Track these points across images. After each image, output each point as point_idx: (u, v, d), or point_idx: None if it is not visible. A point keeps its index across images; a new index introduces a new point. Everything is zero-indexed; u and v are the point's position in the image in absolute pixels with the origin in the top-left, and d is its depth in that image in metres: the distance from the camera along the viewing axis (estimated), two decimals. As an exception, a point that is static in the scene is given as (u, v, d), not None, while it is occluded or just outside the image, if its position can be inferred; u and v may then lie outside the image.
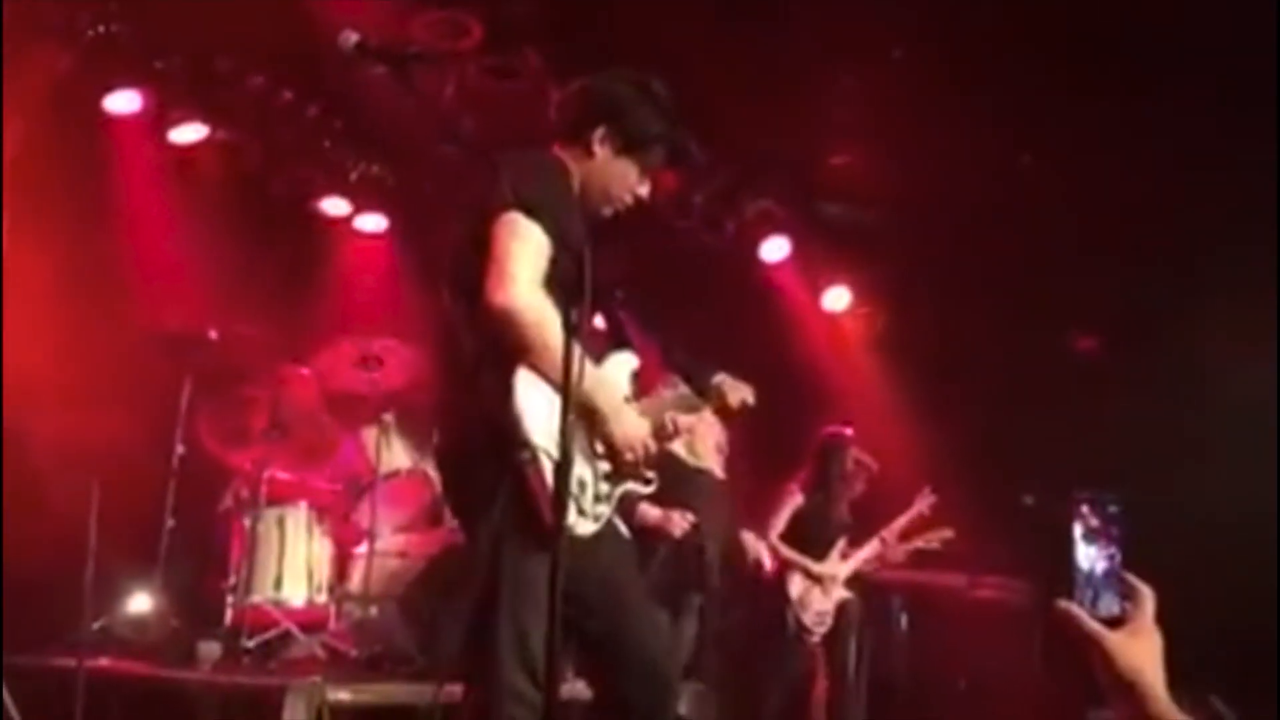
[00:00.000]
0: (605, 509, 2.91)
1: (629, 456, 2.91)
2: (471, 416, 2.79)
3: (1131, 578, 1.47)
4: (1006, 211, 6.97)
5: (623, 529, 3.10)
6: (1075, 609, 1.41)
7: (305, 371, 5.66)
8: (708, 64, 5.85)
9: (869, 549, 6.40)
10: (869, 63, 6.27)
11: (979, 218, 7.08)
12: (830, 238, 7.41)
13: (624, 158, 3.03)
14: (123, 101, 5.76)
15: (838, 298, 7.49)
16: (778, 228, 7.02)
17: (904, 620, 7.06)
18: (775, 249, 7.07)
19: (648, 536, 4.81)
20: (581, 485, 2.81)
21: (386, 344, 5.49)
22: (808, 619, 6.09)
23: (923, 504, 6.52)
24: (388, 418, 5.41)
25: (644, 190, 3.11)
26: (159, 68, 5.82)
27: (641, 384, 3.27)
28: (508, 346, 2.72)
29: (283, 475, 5.38)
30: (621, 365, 3.10)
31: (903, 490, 6.63)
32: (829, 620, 6.15)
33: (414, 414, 5.51)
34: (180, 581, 5.17)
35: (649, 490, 3.09)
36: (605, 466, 2.91)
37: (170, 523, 5.09)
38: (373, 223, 6.86)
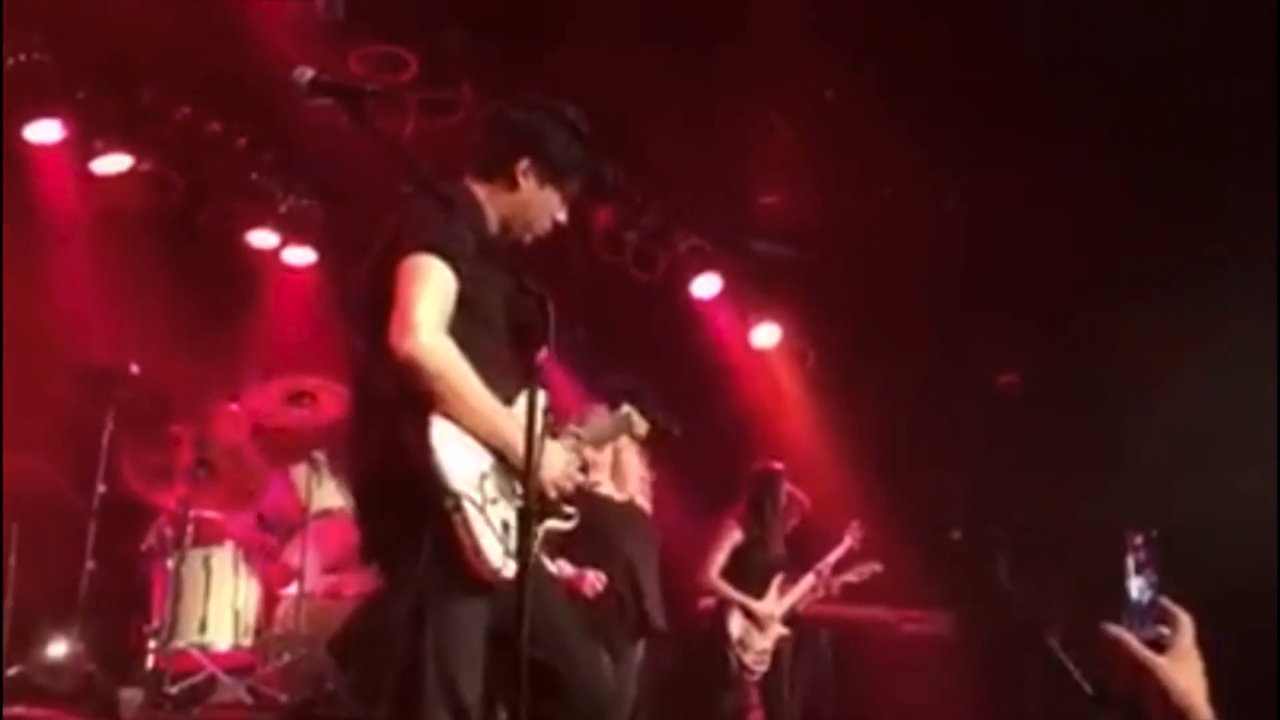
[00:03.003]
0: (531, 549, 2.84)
1: (551, 494, 2.90)
2: (389, 462, 2.75)
3: (1169, 604, 1.49)
4: (932, 250, 7.09)
5: (550, 567, 3.07)
6: (1127, 635, 1.43)
7: (233, 408, 5.54)
8: (641, 99, 5.90)
9: (805, 585, 6.42)
10: (800, 102, 6.36)
11: (905, 256, 7.20)
12: (760, 275, 7.47)
13: (548, 187, 3.04)
14: (43, 131, 5.61)
15: (768, 334, 7.54)
16: (709, 264, 7.05)
17: (831, 655, 7.09)
18: (706, 285, 7.09)
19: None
20: (505, 527, 2.77)
21: (318, 380, 5.40)
22: (749, 659, 6.08)
23: (852, 538, 6.57)
24: (319, 455, 5.32)
25: (562, 216, 3.12)
26: (81, 97, 5.69)
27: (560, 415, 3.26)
28: (417, 393, 2.69)
29: (209, 514, 5.24)
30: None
31: (834, 525, 6.68)
32: (767, 659, 6.14)
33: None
34: (100, 625, 5.00)
35: (570, 525, 3.06)
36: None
37: (90, 564, 4.93)
38: (301, 256, 6.74)
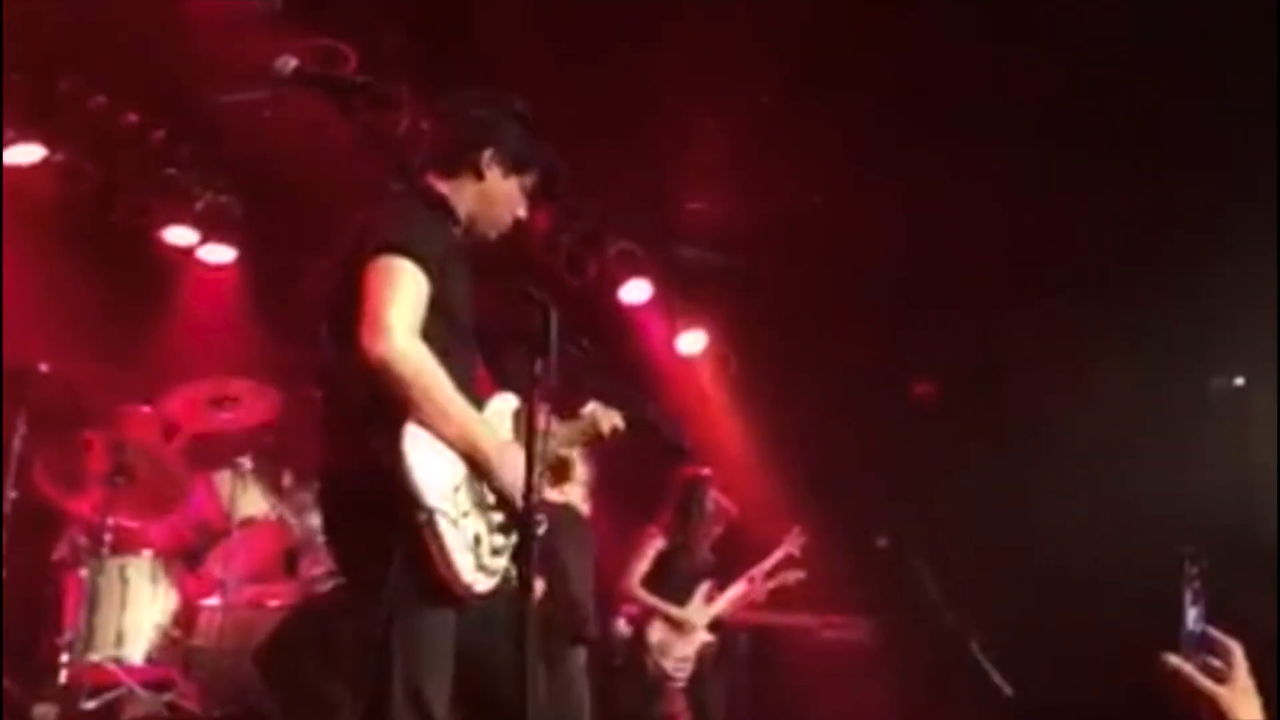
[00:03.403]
0: (502, 562, 2.85)
1: (518, 502, 2.81)
2: (361, 473, 2.70)
3: (1217, 633, 1.49)
4: (857, 259, 7.16)
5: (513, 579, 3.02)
6: (1185, 665, 1.42)
7: (147, 410, 5.34)
8: (573, 101, 5.85)
9: (733, 592, 6.41)
10: (732, 107, 6.37)
11: (832, 264, 7.26)
12: (688, 281, 7.46)
13: (510, 178, 3.02)
14: (-50, 118, 5.35)
15: (694, 341, 7.53)
16: (638, 270, 7.01)
17: (749, 660, 7.11)
18: (636, 291, 7.05)
19: None
20: (477, 540, 2.74)
21: (243, 384, 5.23)
22: (668, 665, 6.04)
23: (792, 544, 6.56)
24: (244, 461, 5.14)
25: (523, 211, 3.10)
26: (-8, 85, 5.43)
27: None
28: (389, 399, 2.64)
29: (126, 523, 5.04)
30: (502, 407, 3.04)
31: (761, 532, 6.69)
32: (689, 666, 6.11)
33: (270, 457, 5.25)
34: (10, 637, 4.75)
35: (539, 532, 2.90)
36: (499, 518, 2.84)
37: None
38: (219, 254, 6.53)
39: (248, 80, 5.84)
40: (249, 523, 5.13)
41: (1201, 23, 5.32)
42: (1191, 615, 1.47)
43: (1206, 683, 1.43)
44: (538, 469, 2.47)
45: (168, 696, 4.78)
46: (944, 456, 7.33)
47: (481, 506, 2.80)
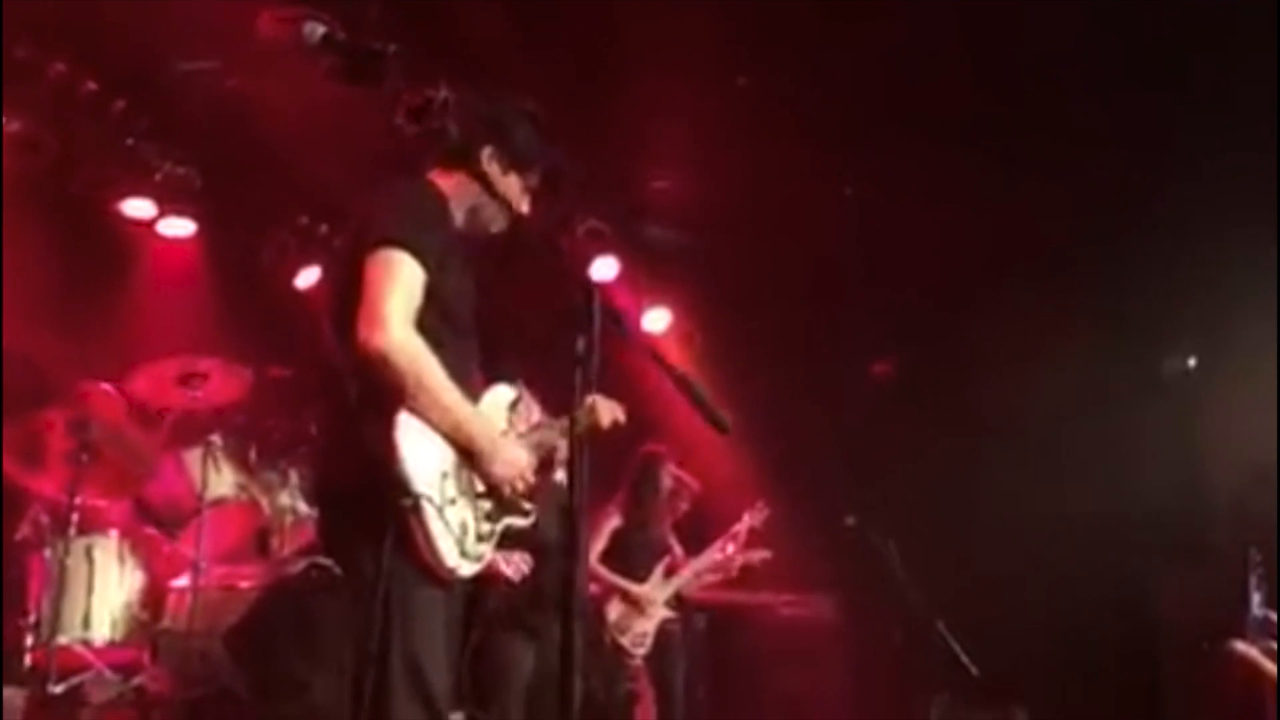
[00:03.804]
0: (486, 549, 2.94)
1: (508, 491, 2.94)
2: (353, 460, 2.77)
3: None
4: (817, 240, 7.20)
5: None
6: (1252, 651, 1.45)
7: (111, 387, 5.21)
8: (541, 79, 5.79)
9: (695, 566, 6.42)
10: (695, 89, 6.35)
11: (791, 245, 7.29)
12: (653, 259, 7.45)
13: (510, 175, 3.08)
14: (-96, 85, 5.16)
15: (658, 319, 7.52)
16: (606, 247, 6.98)
17: (706, 637, 7.14)
18: (604, 268, 7.03)
19: (486, 578, 4.66)
20: (464, 527, 2.82)
21: (211, 361, 5.13)
22: (626, 641, 6.06)
23: (753, 518, 6.58)
24: (215, 439, 5.04)
25: (525, 207, 3.16)
26: (-54, 50, 5.25)
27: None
28: (384, 388, 2.71)
29: (92, 502, 4.92)
30: (498, 399, 3.13)
31: (727, 508, 6.71)
32: (648, 642, 6.13)
33: (241, 436, 5.16)
34: (-28, 621, 4.64)
35: (527, 522, 3.12)
36: (486, 505, 2.93)
37: (-39, 554, 4.58)
38: (179, 227, 6.39)
39: (211, 48, 5.75)
40: (220, 502, 5.04)
41: (1157, 12, 5.41)
42: (1256, 600, 1.50)
43: (1269, 665, 1.47)
44: (578, 448, 2.46)
45: (136, 680, 4.69)
46: (904, 436, 7.42)
47: (469, 494, 2.87)
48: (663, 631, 6.19)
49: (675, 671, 6.30)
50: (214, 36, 5.73)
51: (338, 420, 2.87)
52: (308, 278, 6.97)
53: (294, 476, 5.22)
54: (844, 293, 7.53)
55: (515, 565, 4.71)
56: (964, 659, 5.70)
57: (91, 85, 5.72)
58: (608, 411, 3.35)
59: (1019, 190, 6.55)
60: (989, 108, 6.10)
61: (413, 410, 2.73)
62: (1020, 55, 5.79)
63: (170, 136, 6.22)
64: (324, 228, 7.09)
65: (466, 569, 2.83)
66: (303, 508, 5.21)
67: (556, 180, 3.28)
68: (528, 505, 3.08)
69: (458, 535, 2.79)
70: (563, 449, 5.08)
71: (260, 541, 5.19)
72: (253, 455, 5.40)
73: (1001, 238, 6.90)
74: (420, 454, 2.74)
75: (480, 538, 2.90)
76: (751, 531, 6.53)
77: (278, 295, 6.75)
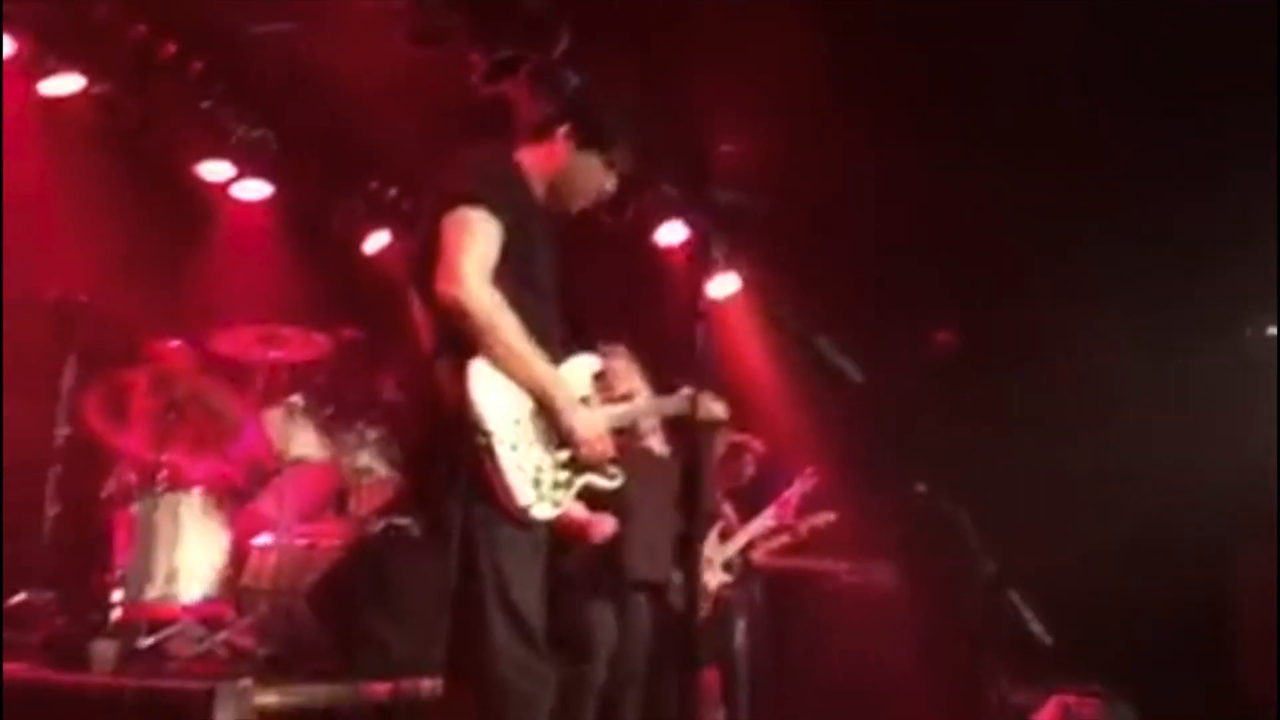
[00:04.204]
0: (562, 495, 2.98)
1: (584, 451, 3.00)
2: (429, 409, 2.88)
3: None
4: (883, 207, 7.13)
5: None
6: None
7: (193, 347, 5.28)
8: (613, 44, 5.76)
9: (749, 531, 6.40)
10: (764, 52, 6.28)
11: (860, 208, 7.22)
12: (721, 223, 7.39)
13: (591, 153, 3.11)
14: (-3, 47, 5.22)
15: (726, 283, 7.48)
16: (674, 211, 6.95)
17: (768, 603, 7.13)
18: (671, 233, 7.00)
19: (567, 535, 4.67)
20: (539, 470, 2.89)
21: (289, 321, 5.17)
22: (680, 604, 6.06)
23: (803, 484, 6.56)
24: (296, 399, 5.09)
25: (609, 186, 3.19)
26: (32, 11, 5.30)
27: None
28: (460, 339, 2.80)
29: (177, 460, 4.99)
30: (582, 367, 3.19)
31: (792, 474, 6.68)
32: (705, 606, 6.11)
33: (324, 397, 5.21)
34: (65, 574, 4.73)
35: (615, 484, 3.19)
36: (564, 455, 2.99)
37: (53, 509, 4.66)
38: (254, 190, 6.44)
39: (287, 10, 5.77)
40: (300, 461, 5.08)
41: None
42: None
43: None
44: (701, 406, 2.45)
45: (222, 635, 4.76)
46: (973, 404, 7.35)
47: (545, 442, 2.93)
48: (719, 597, 6.19)
49: (734, 636, 6.30)
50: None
51: (418, 376, 2.95)
52: (377, 242, 7.02)
53: (371, 437, 5.26)
54: (910, 258, 7.44)
55: (597, 529, 4.71)
56: (1037, 629, 5.66)
57: (171, 47, 5.75)
58: (705, 408, 3.35)
59: (1095, 154, 6.44)
60: (1061, 70, 5.99)
61: (487, 360, 2.81)
62: (1099, 16, 5.67)
63: (246, 99, 6.25)
64: (393, 191, 7.13)
65: (540, 510, 2.87)
66: (380, 468, 5.25)
67: (641, 160, 3.26)
68: (613, 469, 3.14)
69: (531, 476, 2.85)
70: (649, 423, 5.12)
71: (339, 501, 5.24)
72: (330, 415, 5.44)
73: (1077, 203, 6.80)
74: (492, 398, 2.81)
75: (557, 484, 2.96)
76: (803, 497, 6.51)
77: (348, 259, 6.79)
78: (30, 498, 4.67)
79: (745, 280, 7.54)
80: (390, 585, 4.72)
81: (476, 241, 2.81)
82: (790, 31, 6.05)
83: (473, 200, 2.84)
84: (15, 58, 5.31)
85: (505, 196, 2.90)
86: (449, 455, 2.78)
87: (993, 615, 5.80)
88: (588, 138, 3.08)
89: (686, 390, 3.44)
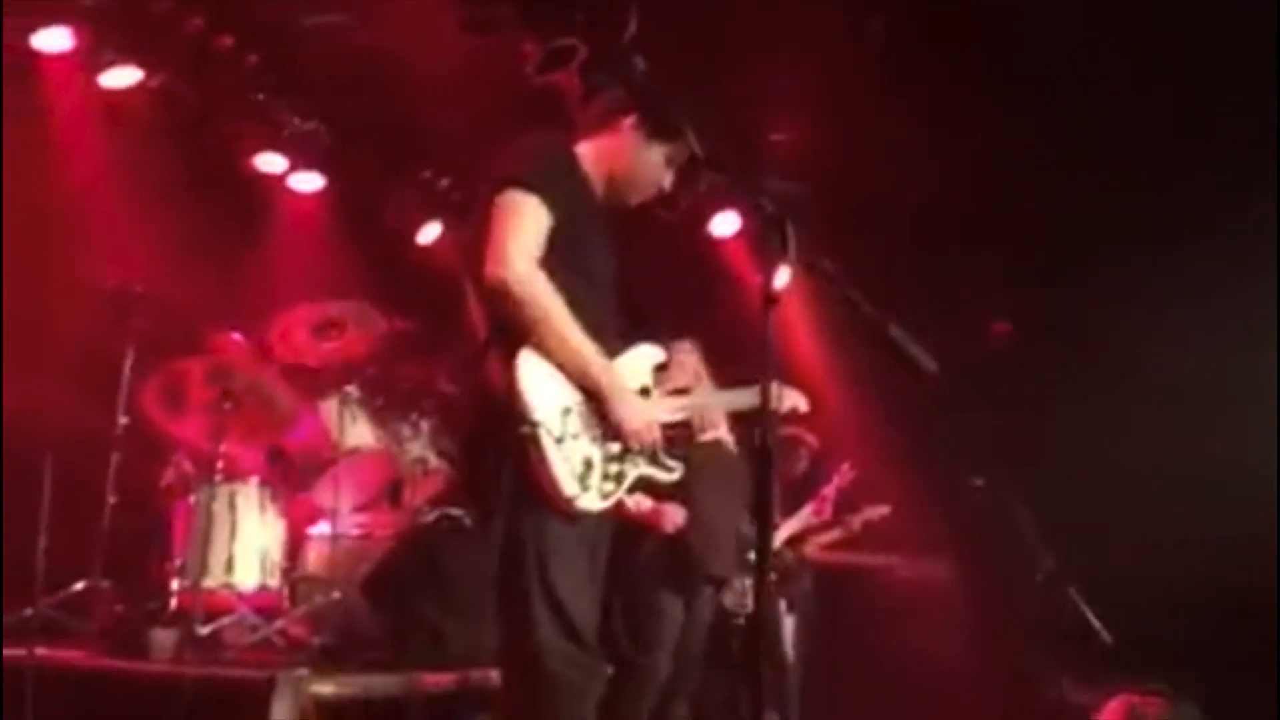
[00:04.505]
0: (613, 488, 2.93)
1: (633, 443, 2.95)
2: (479, 398, 2.86)
3: None
4: (941, 197, 7.03)
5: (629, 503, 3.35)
6: None
7: (248, 338, 5.30)
8: (663, 37, 5.72)
9: (787, 528, 6.34)
10: (813, 42, 6.22)
11: (914, 201, 7.13)
12: (779, 213, 7.32)
13: (653, 146, 3.07)
14: (52, 39, 5.26)
15: (779, 275, 7.40)
16: (729, 202, 6.90)
17: (820, 598, 7.06)
18: (725, 224, 6.96)
19: (638, 525, 4.66)
20: (588, 463, 2.83)
21: (344, 304, 5.18)
22: (728, 600, 6.01)
23: (842, 479, 6.49)
24: (351, 390, 5.10)
25: (668, 181, 3.16)
26: (90, 4, 5.34)
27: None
28: (507, 323, 2.77)
29: (233, 450, 5.00)
30: (643, 357, 3.14)
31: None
32: (749, 601, 6.07)
33: (377, 388, 5.21)
34: (124, 562, 4.76)
35: (672, 478, 3.14)
36: (615, 448, 2.94)
37: (113, 499, 4.69)
38: (308, 181, 6.46)
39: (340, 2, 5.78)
40: (355, 452, 5.10)
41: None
42: None
43: None
44: (771, 402, 2.38)
45: (278, 624, 4.77)
46: (1029, 399, 7.23)
47: (595, 433, 2.88)
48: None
49: (780, 636, 6.25)
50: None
51: (469, 366, 2.93)
52: (429, 233, 7.02)
53: (425, 427, 5.26)
54: (965, 247, 7.34)
55: (670, 518, 4.70)
56: (1097, 626, 5.56)
57: (227, 40, 5.78)
58: (782, 399, 3.32)
59: (1154, 151, 6.33)
60: (1124, 57, 5.88)
61: (536, 347, 2.77)
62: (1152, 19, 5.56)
63: (300, 91, 6.28)
64: (445, 182, 7.13)
65: (587, 502, 2.82)
66: (433, 459, 5.25)
67: (702, 155, 3.18)
68: (671, 461, 3.09)
69: (579, 469, 2.80)
70: (718, 416, 5.08)
71: (394, 492, 5.25)
72: (383, 405, 5.45)
73: (1137, 194, 6.67)
74: (540, 388, 2.77)
75: (607, 477, 2.90)
76: (840, 492, 6.44)
77: (402, 250, 6.80)
78: (91, 486, 4.69)
79: (798, 271, 7.48)
80: (444, 576, 4.73)
81: (525, 225, 2.79)
82: (838, 19, 6.00)
83: (522, 184, 2.82)
84: (75, 51, 5.34)
85: (559, 184, 2.87)
86: (497, 446, 2.76)
87: (1052, 612, 5.72)
88: (655, 130, 3.05)
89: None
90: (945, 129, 6.67)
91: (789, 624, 6.38)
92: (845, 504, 6.60)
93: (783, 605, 6.37)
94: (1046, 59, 5.89)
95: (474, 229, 2.93)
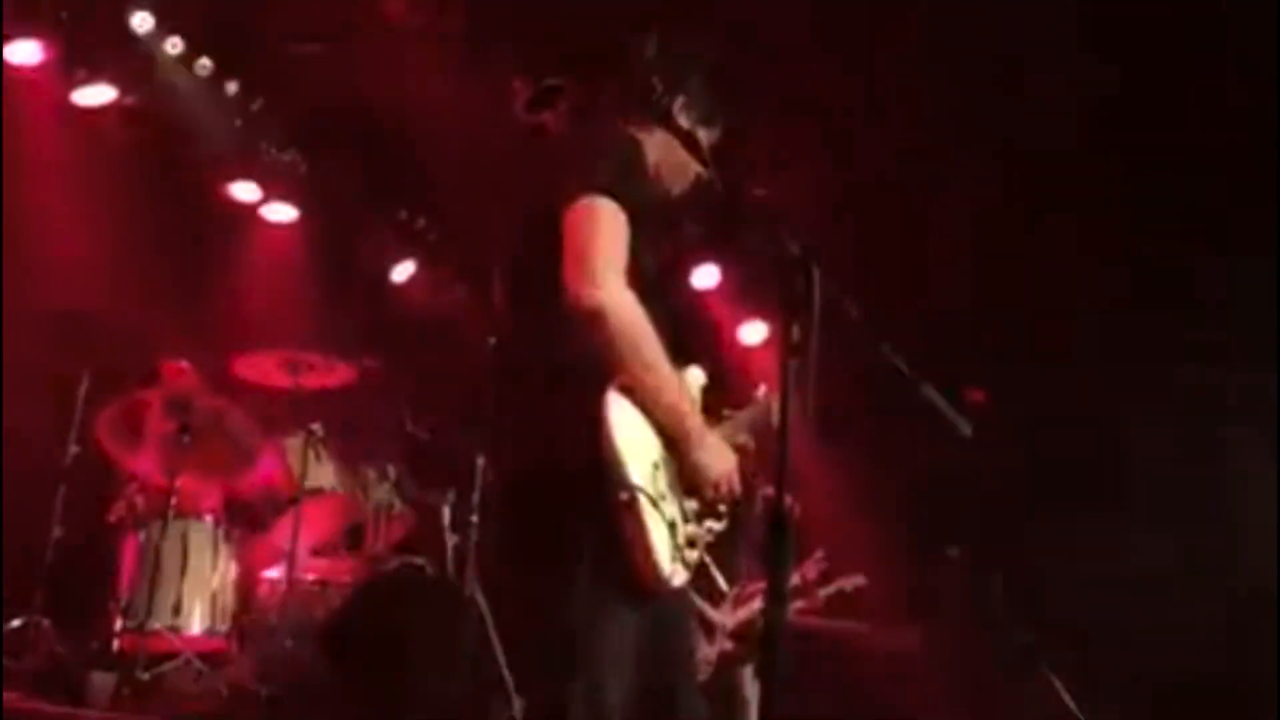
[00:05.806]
0: (695, 554, 2.49)
1: (713, 493, 2.49)
2: (546, 445, 2.39)
3: None
4: (914, 259, 6.99)
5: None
6: None
7: (212, 370, 5.10)
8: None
9: (751, 607, 6.17)
10: (794, 96, 6.18)
11: (888, 262, 7.07)
12: (750, 269, 7.25)
13: (700, 129, 2.72)
14: (24, 52, 5.09)
15: (755, 331, 7.31)
16: (709, 255, 6.80)
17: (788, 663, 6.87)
18: (705, 276, 6.85)
19: None
20: (673, 527, 2.38)
21: (314, 348, 5.00)
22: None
23: (812, 570, 6.32)
24: (316, 428, 4.90)
25: (706, 169, 2.79)
26: (65, 18, 5.18)
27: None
28: (594, 356, 2.32)
29: (188, 486, 4.78)
30: (695, 381, 2.68)
31: (826, 534, 6.47)
32: (708, 669, 5.89)
33: (344, 427, 5.02)
34: (66, 599, 4.52)
35: (721, 526, 2.62)
36: (693, 504, 2.50)
37: (58, 531, 4.46)
38: (282, 213, 6.30)
39: (319, 27, 5.67)
40: (317, 493, 4.89)
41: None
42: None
43: None
44: (783, 452, 2.19)
45: (223, 671, 4.53)
46: (1007, 471, 7.13)
47: (676, 489, 2.45)
48: (725, 664, 5.96)
49: (735, 703, 6.05)
50: (327, 21, 5.68)
51: (521, 400, 2.50)
52: (403, 271, 6.86)
53: (391, 471, 5.07)
54: (941, 316, 7.28)
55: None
56: (1069, 702, 5.42)
57: (206, 64, 5.64)
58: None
59: (1140, 217, 6.30)
60: (1107, 128, 5.86)
61: (624, 385, 2.34)
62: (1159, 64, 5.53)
63: (278, 121, 6.13)
64: (421, 221, 6.98)
65: (679, 577, 2.41)
66: (398, 505, 5.06)
67: (733, 139, 2.87)
68: (723, 507, 2.58)
69: (669, 537, 2.36)
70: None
71: (354, 536, 5.04)
72: (349, 446, 5.27)
73: (1120, 266, 6.63)
74: (632, 440, 2.33)
75: (690, 542, 2.46)
76: (805, 582, 6.27)
77: (375, 287, 6.64)
78: (35, 517, 4.45)
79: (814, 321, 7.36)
80: (404, 628, 4.51)
81: (612, 237, 2.36)
82: (824, 78, 5.96)
83: (603, 190, 2.39)
84: (46, 65, 5.18)
85: (631, 187, 2.46)
86: (574, 508, 2.32)
87: (1027, 690, 5.57)
88: (700, 114, 2.71)
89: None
90: (926, 198, 6.65)
91: (740, 692, 6.19)
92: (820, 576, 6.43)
93: (747, 673, 6.19)
94: (1024, 124, 5.87)
95: (527, 232, 2.54)
